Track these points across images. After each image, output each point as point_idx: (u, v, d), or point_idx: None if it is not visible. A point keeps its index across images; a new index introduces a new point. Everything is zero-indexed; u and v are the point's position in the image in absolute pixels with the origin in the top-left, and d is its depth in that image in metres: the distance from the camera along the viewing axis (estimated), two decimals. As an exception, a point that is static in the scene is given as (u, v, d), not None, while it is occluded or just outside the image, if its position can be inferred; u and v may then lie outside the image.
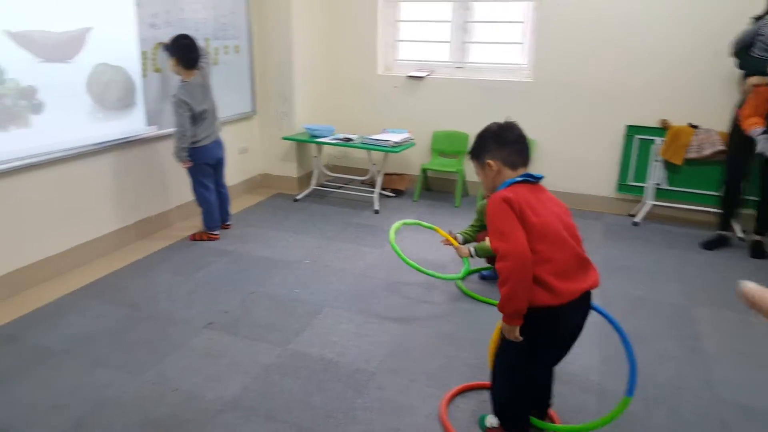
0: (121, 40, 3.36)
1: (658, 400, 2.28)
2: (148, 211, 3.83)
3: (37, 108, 2.91)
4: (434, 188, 5.17)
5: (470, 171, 4.97)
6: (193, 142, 3.52)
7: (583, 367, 2.48)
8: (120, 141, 3.46)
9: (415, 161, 5.13)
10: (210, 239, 3.76)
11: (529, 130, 5.08)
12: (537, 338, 1.76)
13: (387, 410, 2.16)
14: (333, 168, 5.39)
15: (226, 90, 4.25)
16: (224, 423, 2.06)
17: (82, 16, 3.10)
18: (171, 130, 3.82)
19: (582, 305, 1.79)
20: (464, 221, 4.34)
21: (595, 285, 1.77)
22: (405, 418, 2.12)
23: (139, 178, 3.71)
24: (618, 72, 4.43)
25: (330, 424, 2.08)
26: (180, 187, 4.06)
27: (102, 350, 2.49)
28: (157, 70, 3.66)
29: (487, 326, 2.78)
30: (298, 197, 4.81)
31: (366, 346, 2.58)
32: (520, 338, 1.73)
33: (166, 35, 3.66)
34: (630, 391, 1.93)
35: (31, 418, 2.04)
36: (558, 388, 2.30)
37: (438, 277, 3.04)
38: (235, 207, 4.29)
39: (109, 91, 3.33)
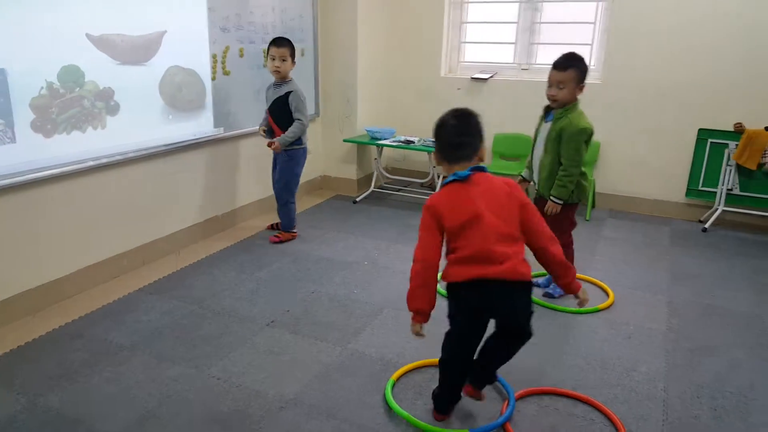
0: (193, 43, 3.48)
1: (727, 408, 2.19)
2: (214, 211, 3.94)
3: (113, 109, 3.05)
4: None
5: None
6: (302, 143, 3.72)
7: (648, 375, 2.40)
8: (189, 142, 3.57)
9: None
10: (293, 238, 3.87)
11: (596, 132, 4.98)
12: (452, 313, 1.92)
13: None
14: (393, 170, 5.40)
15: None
16: (286, 420, 2.07)
17: (158, 20, 3.21)
18: (238, 131, 3.95)
19: (481, 290, 1.79)
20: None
21: (497, 275, 1.76)
22: (470, 419, 2.09)
23: (206, 179, 3.82)
24: (691, 74, 4.25)
25: (392, 423, 2.06)
26: (245, 188, 4.17)
27: (168, 345, 2.55)
28: (226, 74, 3.77)
29: (548, 329, 2.72)
30: (358, 199, 4.83)
31: (424, 347, 2.54)
32: (422, 335, 1.88)
33: (236, 39, 3.77)
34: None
35: (100, 411, 2.10)
36: (623, 395, 2.27)
37: None
38: (304, 205, 4.39)
39: (181, 93, 3.45)
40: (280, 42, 3.49)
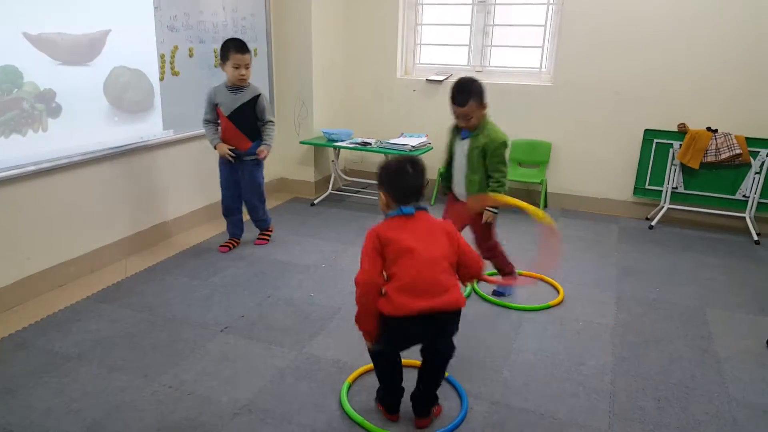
0: (139, 43, 3.38)
1: (670, 399, 2.29)
2: (165, 216, 3.85)
3: (55, 111, 2.93)
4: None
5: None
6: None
7: (596, 369, 2.48)
8: (137, 145, 3.47)
9: (433, 166, 5.07)
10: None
11: (547, 134, 5.10)
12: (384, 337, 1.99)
13: (404, 409, 2.13)
14: (350, 172, 5.39)
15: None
16: (239, 426, 2.04)
17: (101, 18, 3.11)
18: (189, 133, 3.87)
19: (422, 323, 1.91)
20: (479, 225, 4.31)
21: (440, 307, 1.90)
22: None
23: (156, 182, 3.72)
24: (637, 76, 4.41)
25: (347, 426, 2.06)
26: (196, 192, 4.08)
27: (117, 355, 2.48)
28: (175, 74, 3.68)
29: (500, 327, 2.78)
30: (315, 201, 4.81)
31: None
32: (373, 348, 2.01)
33: (185, 38, 3.69)
34: None
35: (44, 424, 2.03)
36: (571, 388, 2.34)
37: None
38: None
39: (127, 94, 3.35)
40: (243, 48, 3.26)
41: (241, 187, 3.59)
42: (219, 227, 4.09)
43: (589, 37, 4.45)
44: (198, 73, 3.88)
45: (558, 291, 3.19)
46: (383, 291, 1.91)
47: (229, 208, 3.65)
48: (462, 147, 2.90)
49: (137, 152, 3.52)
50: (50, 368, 2.37)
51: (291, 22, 4.69)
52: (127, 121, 3.39)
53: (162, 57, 3.55)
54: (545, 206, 4.80)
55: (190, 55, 3.78)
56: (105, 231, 3.39)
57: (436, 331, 1.97)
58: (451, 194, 3.08)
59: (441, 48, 5.10)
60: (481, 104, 2.75)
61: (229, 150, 3.41)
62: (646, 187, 4.54)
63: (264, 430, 2.02)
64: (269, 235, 3.86)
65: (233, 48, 3.24)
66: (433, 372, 2.06)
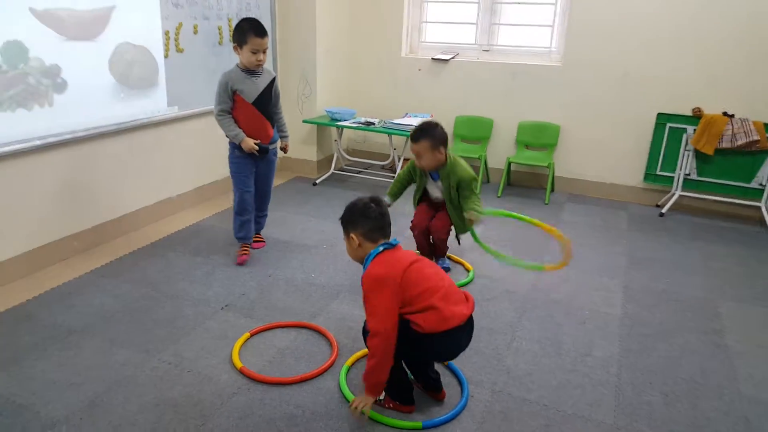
0: (144, 19, 3.35)
1: (678, 394, 2.24)
2: (168, 192, 3.85)
3: (60, 87, 2.93)
4: (456, 174, 5.10)
5: (493, 157, 4.90)
6: None
7: (602, 360, 2.44)
8: (142, 121, 3.47)
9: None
10: None
11: (555, 116, 5.02)
12: (411, 353, 1.98)
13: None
14: (353, 152, 5.35)
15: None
16: (237, 405, 2.06)
17: (106, -6, 3.09)
18: (193, 110, 3.84)
19: (466, 332, 1.98)
20: (484, 208, 4.26)
21: (472, 311, 1.99)
22: (424, 410, 2.10)
23: (160, 159, 3.72)
24: (651, 58, 4.29)
25: (344, 408, 2.06)
26: (199, 169, 4.08)
27: (119, 329, 2.51)
28: (179, 51, 3.65)
29: (504, 313, 2.76)
30: (318, 181, 4.79)
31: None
32: (368, 411, 1.93)
33: (190, 15, 3.64)
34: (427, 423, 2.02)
35: (48, 395, 2.07)
36: (576, 379, 2.30)
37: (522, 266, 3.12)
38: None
39: (132, 70, 3.33)
40: (262, 31, 2.92)
41: (258, 178, 3.26)
42: (221, 205, 4.11)
43: (600, 16, 4.34)
44: (202, 51, 3.85)
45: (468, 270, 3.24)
46: (425, 306, 1.87)
47: (249, 206, 3.24)
48: (436, 186, 3.10)
49: (142, 128, 3.51)
50: (54, 341, 2.40)
51: (296, 0, 4.62)
52: (132, 97, 3.38)
53: (167, 34, 3.53)
54: (552, 190, 4.75)
55: (195, 32, 3.75)
56: (109, 206, 3.41)
57: (470, 336, 2.02)
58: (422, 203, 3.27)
59: (447, 26, 5.01)
60: (436, 148, 2.89)
61: (255, 143, 3.04)
62: (658, 173, 4.46)
63: (262, 411, 2.04)
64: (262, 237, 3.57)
65: (252, 31, 2.90)
66: (423, 374, 2.13)
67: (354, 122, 4.62)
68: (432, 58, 4.93)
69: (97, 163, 3.26)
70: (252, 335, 2.49)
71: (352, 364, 2.32)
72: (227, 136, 3.05)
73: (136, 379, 2.18)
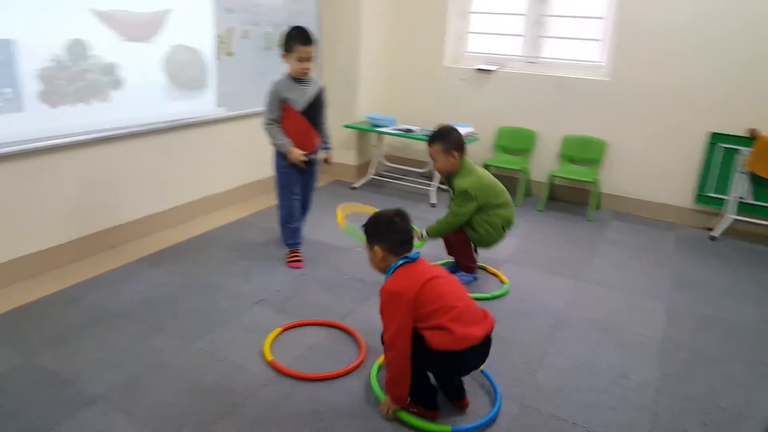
0: (198, 23, 3.50)
1: (718, 424, 2.13)
2: (213, 189, 3.98)
3: (117, 84, 3.09)
4: (496, 186, 5.06)
5: (535, 170, 4.84)
6: None
7: (639, 383, 2.36)
8: (191, 120, 3.61)
9: (477, 157, 5.01)
10: None
11: (602, 131, 4.90)
12: (431, 367, 2.02)
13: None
14: (392, 158, 5.39)
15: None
16: (266, 397, 2.10)
17: (164, -2, 3.25)
18: (240, 111, 3.97)
19: (480, 350, 1.97)
20: (525, 222, 4.23)
21: (490, 329, 1.98)
22: (455, 416, 2.09)
23: (206, 157, 3.86)
24: (704, 75, 4.16)
25: (370, 406, 2.07)
26: (243, 168, 4.20)
27: (159, 317, 2.61)
28: (230, 54, 3.78)
29: (538, 329, 2.71)
30: (356, 185, 4.85)
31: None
32: (393, 414, 2.00)
33: (241, 20, 3.78)
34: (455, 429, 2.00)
35: (91, 373, 2.17)
36: (609, 401, 2.23)
37: None
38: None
39: (184, 71, 3.48)
40: (309, 39, 2.92)
41: (300, 187, 3.25)
42: (262, 204, 4.21)
43: (652, 31, 4.24)
44: (251, 54, 3.98)
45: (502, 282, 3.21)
46: (437, 325, 1.88)
47: (297, 213, 3.26)
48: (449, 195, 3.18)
49: (190, 127, 3.66)
50: (98, 323, 2.52)
51: (341, 8, 4.72)
52: (183, 97, 3.52)
53: (218, 37, 3.67)
54: (597, 207, 4.64)
55: (245, 37, 3.88)
56: (157, 199, 3.55)
57: (485, 355, 2.02)
58: None
59: (492, 37, 4.99)
60: (448, 152, 2.95)
61: (302, 155, 3.03)
62: (709, 194, 4.29)
63: (288, 405, 2.07)
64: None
65: (299, 40, 2.90)
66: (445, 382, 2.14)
67: (394, 129, 4.66)
68: (476, 68, 4.93)
69: (147, 158, 3.41)
70: (283, 330, 2.54)
71: (383, 364, 2.33)
72: (274, 146, 3.07)
73: (172, 365, 2.26)
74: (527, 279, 3.27)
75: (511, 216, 3.12)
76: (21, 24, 2.57)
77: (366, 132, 4.99)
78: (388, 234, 2.02)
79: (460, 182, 2.99)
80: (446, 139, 2.96)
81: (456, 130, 3.02)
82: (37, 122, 2.73)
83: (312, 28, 4.45)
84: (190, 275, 3.02)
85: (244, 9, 3.81)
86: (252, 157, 4.20)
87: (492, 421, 2.05)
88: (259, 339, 2.46)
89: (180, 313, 2.64)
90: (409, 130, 4.60)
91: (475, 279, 3.20)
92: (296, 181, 3.16)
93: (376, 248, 2.03)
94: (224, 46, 3.72)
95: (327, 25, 4.75)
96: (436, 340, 1.87)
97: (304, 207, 3.36)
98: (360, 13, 4.67)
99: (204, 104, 3.69)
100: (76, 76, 2.85)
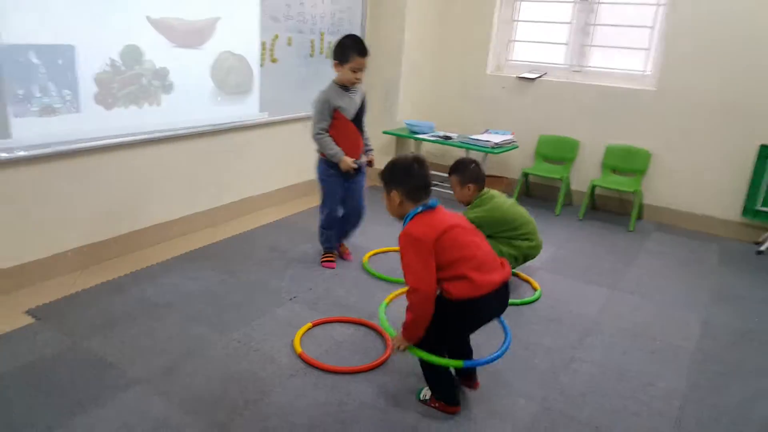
0: (244, 31, 3.67)
1: (747, 437, 2.09)
2: (253, 191, 4.14)
3: (167, 88, 3.27)
4: (534, 194, 5.04)
5: (576, 179, 4.79)
6: None
7: (666, 391, 2.33)
8: (235, 124, 3.78)
9: (516, 165, 5.03)
10: None
11: (646, 141, 4.82)
12: (454, 328, 2.03)
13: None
14: (430, 165, 5.39)
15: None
16: (294, 386, 2.19)
17: (213, 6, 3.42)
18: (282, 117, 4.11)
19: (498, 296, 1.99)
20: (562, 230, 4.20)
21: (507, 278, 2.01)
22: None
23: (248, 159, 4.02)
24: (755, 86, 4.04)
25: (391, 401, 2.13)
26: (284, 171, 4.34)
27: (199, 308, 2.74)
28: (274, 61, 3.94)
29: (566, 334, 2.71)
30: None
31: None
32: (405, 349, 2.01)
33: (285, 28, 3.93)
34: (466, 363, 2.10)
35: (134, 358, 2.31)
36: (633, 407, 2.21)
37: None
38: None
39: (230, 77, 3.65)
40: (365, 51, 2.94)
41: (352, 194, 3.26)
42: (301, 206, 4.33)
43: (700, 41, 4.16)
44: (295, 61, 4.13)
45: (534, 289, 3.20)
46: (457, 275, 1.90)
47: (337, 220, 3.31)
48: None
49: (235, 131, 3.82)
50: (143, 312, 2.68)
51: (385, 15, 4.81)
52: (228, 102, 3.69)
53: (263, 44, 3.82)
54: (639, 218, 4.56)
55: (289, 44, 4.03)
56: (201, 199, 3.73)
57: (505, 302, 2.05)
58: None
59: (536, 45, 4.99)
60: (463, 185, 3.07)
61: (353, 162, 3.07)
62: (758, 208, 4.15)
63: (314, 394, 2.15)
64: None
65: (356, 51, 2.91)
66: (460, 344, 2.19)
67: (432, 135, 4.71)
68: (518, 77, 4.93)
69: (192, 159, 3.59)
70: (314, 326, 2.63)
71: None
72: (327, 155, 3.05)
73: (208, 353, 2.38)
74: (560, 286, 3.26)
75: (531, 250, 3.15)
76: (80, 30, 2.77)
77: (404, 138, 5.06)
78: (405, 179, 2.02)
79: (468, 213, 3.06)
80: (462, 172, 3.07)
81: (474, 163, 3.10)
82: (93, 123, 2.93)
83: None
84: (230, 271, 3.16)
85: (289, 17, 3.96)
86: (291, 162, 4.34)
87: (502, 355, 2.06)
88: (291, 333, 2.55)
89: (218, 306, 2.78)
90: (447, 137, 4.65)
91: None
92: (341, 190, 3.19)
93: (393, 193, 2.04)
94: (268, 53, 3.87)
95: (371, 32, 4.86)
96: (456, 290, 1.90)
97: (358, 213, 3.34)
98: (404, 21, 4.76)
99: (247, 109, 3.85)
100: (129, 80, 3.05)
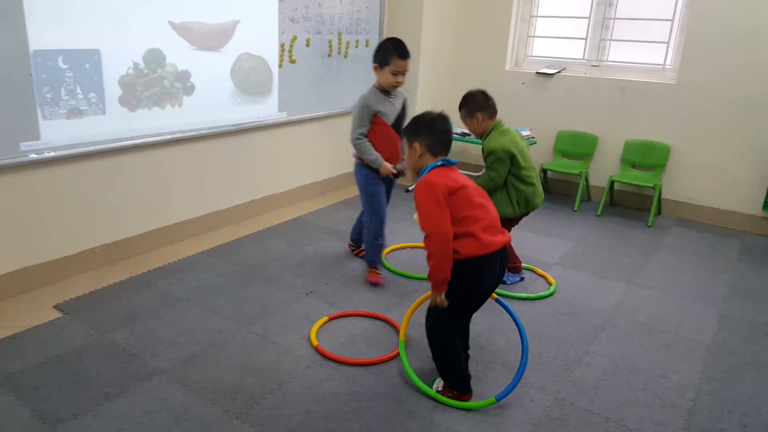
0: (263, 32, 3.75)
1: (759, 427, 2.11)
2: (274, 188, 4.23)
3: (189, 90, 3.37)
4: (553, 190, 5.02)
5: (594, 175, 4.77)
6: None
7: (679, 384, 2.34)
8: (255, 124, 3.86)
9: (535, 160, 4.93)
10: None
11: (666, 135, 4.79)
12: (462, 292, 2.05)
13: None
14: (450, 163, 5.46)
15: (353, 83, 4.48)
16: (309, 377, 2.26)
17: (233, 10, 3.50)
18: (300, 116, 4.19)
19: (500, 257, 2.07)
20: (580, 226, 4.19)
21: (507, 241, 2.09)
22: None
23: (267, 158, 4.10)
24: (775, 78, 3.98)
25: (408, 389, 2.18)
26: (303, 169, 4.42)
27: (219, 302, 2.83)
28: (292, 62, 4.02)
29: (580, 328, 2.72)
30: (410, 188, 4.91)
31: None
32: (446, 303, 2.02)
33: (304, 29, 4.01)
34: (500, 395, 2.15)
35: (156, 349, 2.41)
36: (645, 398, 2.23)
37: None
38: (350, 194, 4.57)
39: (249, 78, 3.73)
40: (405, 53, 2.87)
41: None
42: (320, 203, 4.42)
43: (721, 34, 4.10)
44: (313, 62, 4.20)
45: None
46: (466, 233, 1.97)
47: (385, 227, 3.16)
48: None
49: (255, 130, 3.91)
50: (165, 305, 2.78)
51: (403, 15, 4.85)
52: (248, 102, 3.78)
53: (282, 46, 3.90)
54: (658, 213, 4.52)
55: (307, 45, 4.10)
56: (222, 197, 3.82)
57: (504, 267, 2.13)
58: None
59: (555, 41, 4.98)
60: (472, 116, 2.94)
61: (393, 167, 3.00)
62: (780, 202, 4.09)
63: (329, 384, 2.22)
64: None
65: (396, 53, 2.84)
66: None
67: (450, 132, 4.72)
68: (537, 72, 4.93)
69: (214, 158, 3.69)
70: (330, 320, 2.69)
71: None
72: (366, 161, 2.97)
73: (228, 345, 2.46)
74: (576, 281, 3.27)
75: (533, 196, 2.97)
76: (106, 35, 2.88)
77: (422, 136, 5.08)
78: (428, 132, 2.09)
79: (489, 141, 2.92)
80: (467, 103, 2.95)
81: (479, 92, 2.98)
82: (118, 124, 3.05)
83: (374, 35, 4.68)
84: (249, 266, 3.25)
85: (307, 18, 4.04)
86: (308, 160, 4.41)
87: (523, 372, 2.14)
88: (307, 326, 2.63)
89: (238, 300, 2.86)
90: (465, 134, 4.67)
91: (522, 279, 3.23)
92: (383, 194, 3.10)
93: (416, 145, 2.09)
94: (287, 53, 3.95)
95: (389, 31, 4.89)
96: (464, 248, 1.97)
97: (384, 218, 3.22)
98: (422, 21, 4.79)
99: (267, 109, 3.93)
100: (152, 83, 3.16)
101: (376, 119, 2.94)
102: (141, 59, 3.07)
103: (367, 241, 3.16)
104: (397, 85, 2.94)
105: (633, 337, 2.69)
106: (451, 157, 2.12)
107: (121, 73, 2.99)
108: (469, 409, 2.12)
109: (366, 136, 2.96)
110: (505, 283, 3.15)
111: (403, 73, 2.90)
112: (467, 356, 2.26)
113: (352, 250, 3.50)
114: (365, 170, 3.04)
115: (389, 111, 2.97)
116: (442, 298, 2.01)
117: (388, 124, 2.98)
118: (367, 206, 3.11)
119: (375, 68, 2.94)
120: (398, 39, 2.93)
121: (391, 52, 2.84)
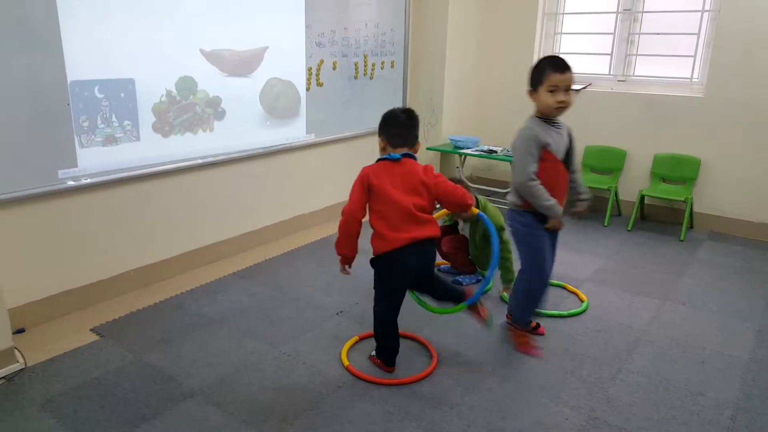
0: (291, 57, 3.85)
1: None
2: (303, 209, 4.29)
3: (220, 115, 3.47)
4: (581, 206, 4.97)
5: (624, 190, 4.72)
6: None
7: (717, 401, 2.29)
8: (284, 146, 3.94)
9: (562, 177, 4.98)
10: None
11: (695, 149, 4.74)
12: (380, 280, 2.40)
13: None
14: (476, 179, 5.46)
15: (379, 103, 4.54)
16: (341, 397, 2.27)
17: (262, 36, 3.61)
18: (327, 138, 4.26)
19: (414, 251, 2.28)
20: (611, 241, 4.14)
21: (424, 236, 2.27)
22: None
23: (296, 180, 4.17)
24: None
25: (429, 406, 2.18)
26: (332, 190, 4.47)
27: (251, 323, 2.87)
28: (319, 85, 4.10)
29: (613, 344, 2.68)
30: (438, 206, 4.95)
31: (475, 344, 2.65)
32: (348, 272, 2.45)
33: (330, 53, 4.10)
34: (470, 301, 2.45)
35: (189, 371, 2.45)
36: (682, 416, 2.19)
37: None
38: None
39: (278, 102, 3.82)
40: (563, 66, 2.34)
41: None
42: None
43: (748, 47, 4.05)
44: (339, 84, 4.27)
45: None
46: (375, 228, 2.28)
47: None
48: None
49: (283, 152, 3.99)
50: (198, 327, 2.83)
51: (428, 36, 4.93)
52: (277, 125, 3.86)
53: (309, 70, 3.99)
54: (690, 227, 4.43)
55: (334, 68, 4.18)
56: (252, 218, 3.89)
57: (424, 257, 2.34)
58: None
59: (580, 57, 4.97)
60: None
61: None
62: (819, 213, 3.98)
63: (360, 404, 2.23)
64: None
65: (550, 67, 2.34)
66: (439, 295, 2.51)
67: (476, 150, 4.75)
68: (561, 89, 4.92)
69: (245, 181, 3.77)
70: (360, 339, 2.71)
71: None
72: (537, 208, 2.40)
73: (260, 366, 2.49)
74: (608, 298, 3.22)
75: None
76: (140, 65, 3.00)
77: (449, 154, 5.12)
78: (386, 125, 2.35)
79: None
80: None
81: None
82: (151, 150, 3.14)
83: (399, 55, 4.74)
84: (279, 287, 3.29)
85: (333, 42, 4.13)
86: (335, 180, 4.47)
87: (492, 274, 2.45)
88: (338, 346, 2.64)
89: (269, 321, 2.90)
90: (491, 151, 4.68)
91: (478, 281, 3.39)
92: (549, 248, 2.53)
93: (379, 138, 2.37)
94: (314, 77, 4.04)
95: (414, 52, 4.99)
96: (374, 246, 2.31)
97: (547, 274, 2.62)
98: (446, 42, 4.87)
99: (295, 131, 4.01)
100: (184, 109, 3.26)
101: (544, 155, 2.37)
102: (173, 87, 3.17)
103: (524, 297, 2.60)
104: (560, 106, 2.34)
105: (668, 353, 2.64)
106: (406, 151, 2.33)
107: (154, 100, 3.10)
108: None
109: (537, 177, 2.36)
110: (461, 283, 3.32)
111: (564, 90, 2.33)
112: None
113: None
114: (527, 218, 2.46)
115: (558, 143, 2.39)
116: (342, 270, 2.43)
117: (558, 159, 2.40)
118: (528, 259, 2.53)
119: (529, 93, 2.42)
120: (553, 55, 2.50)
121: (544, 68, 2.35)
